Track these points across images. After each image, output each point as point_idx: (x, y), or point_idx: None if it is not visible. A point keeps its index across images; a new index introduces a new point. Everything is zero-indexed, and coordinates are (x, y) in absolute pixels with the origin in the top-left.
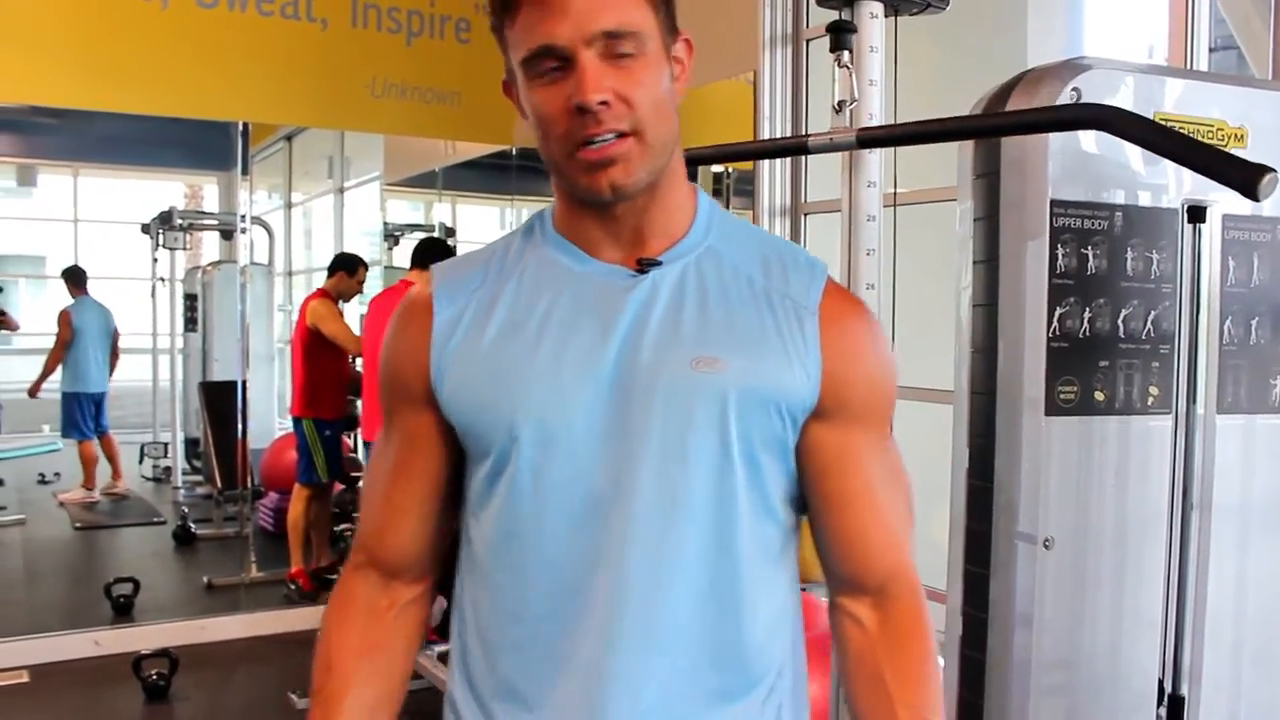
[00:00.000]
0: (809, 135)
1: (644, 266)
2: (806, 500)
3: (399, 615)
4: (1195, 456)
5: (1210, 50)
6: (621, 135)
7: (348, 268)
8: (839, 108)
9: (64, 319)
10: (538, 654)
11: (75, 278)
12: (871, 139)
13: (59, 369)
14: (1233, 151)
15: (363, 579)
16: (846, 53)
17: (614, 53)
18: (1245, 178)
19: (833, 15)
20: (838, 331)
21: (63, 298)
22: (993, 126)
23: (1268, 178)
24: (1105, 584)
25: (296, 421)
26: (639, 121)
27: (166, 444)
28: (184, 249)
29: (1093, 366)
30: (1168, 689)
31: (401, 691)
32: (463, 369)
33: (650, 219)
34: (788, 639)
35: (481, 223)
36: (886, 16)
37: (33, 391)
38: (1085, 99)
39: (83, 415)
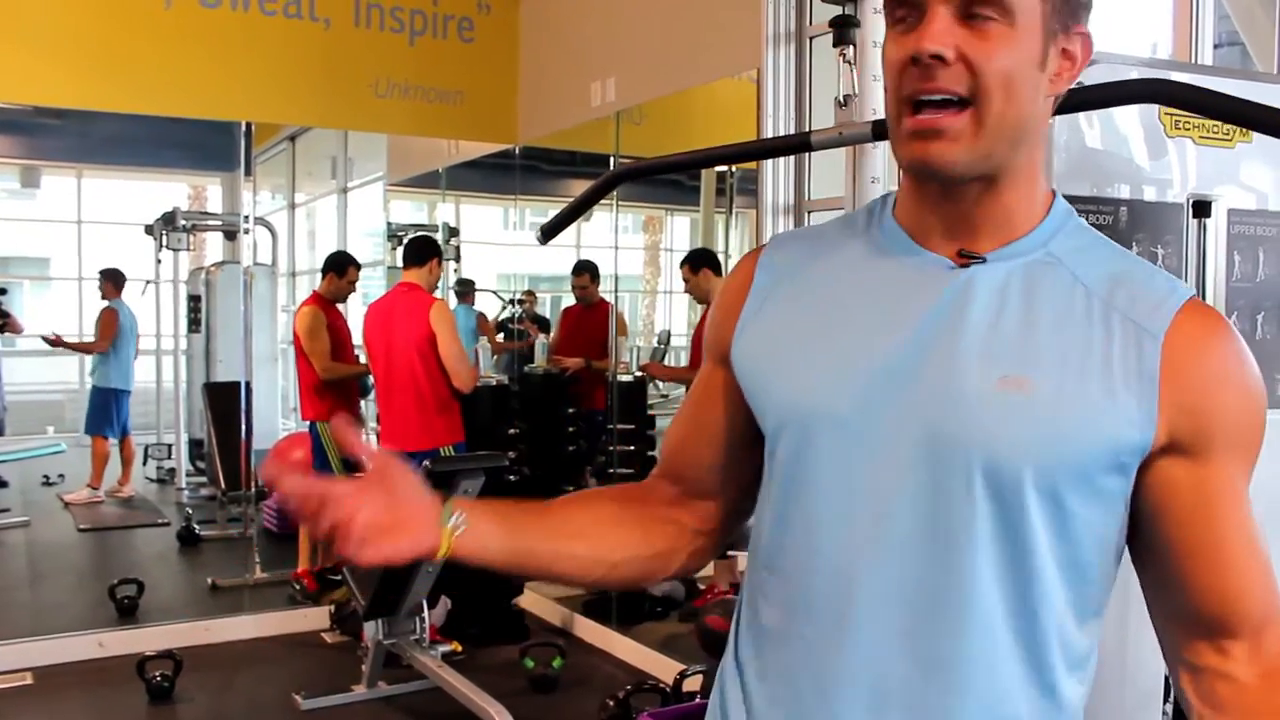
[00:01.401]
0: (811, 132)
1: (966, 260)
2: (1152, 547)
3: (653, 516)
4: None
5: (1214, 47)
6: (958, 104)
7: (337, 269)
8: (844, 102)
9: (111, 317)
10: (798, 658)
11: (115, 279)
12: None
13: (87, 363)
14: (1238, 145)
15: (650, 478)
16: (850, 48)
17: (972, 13)
18: None
19: (836, 10)
20: (1189, 357)
21: (66, 299)
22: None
23: None
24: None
25: (310, 425)
26: (978, 89)
27: (170, 445)
28: (188, 250)
29: None
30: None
31: (596, 562)
32: (756, 341)
33: (984, 212)
34: (1076, 707)
35: (485, 223)
36: None
37: (55, 341)
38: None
39: (117, 413)
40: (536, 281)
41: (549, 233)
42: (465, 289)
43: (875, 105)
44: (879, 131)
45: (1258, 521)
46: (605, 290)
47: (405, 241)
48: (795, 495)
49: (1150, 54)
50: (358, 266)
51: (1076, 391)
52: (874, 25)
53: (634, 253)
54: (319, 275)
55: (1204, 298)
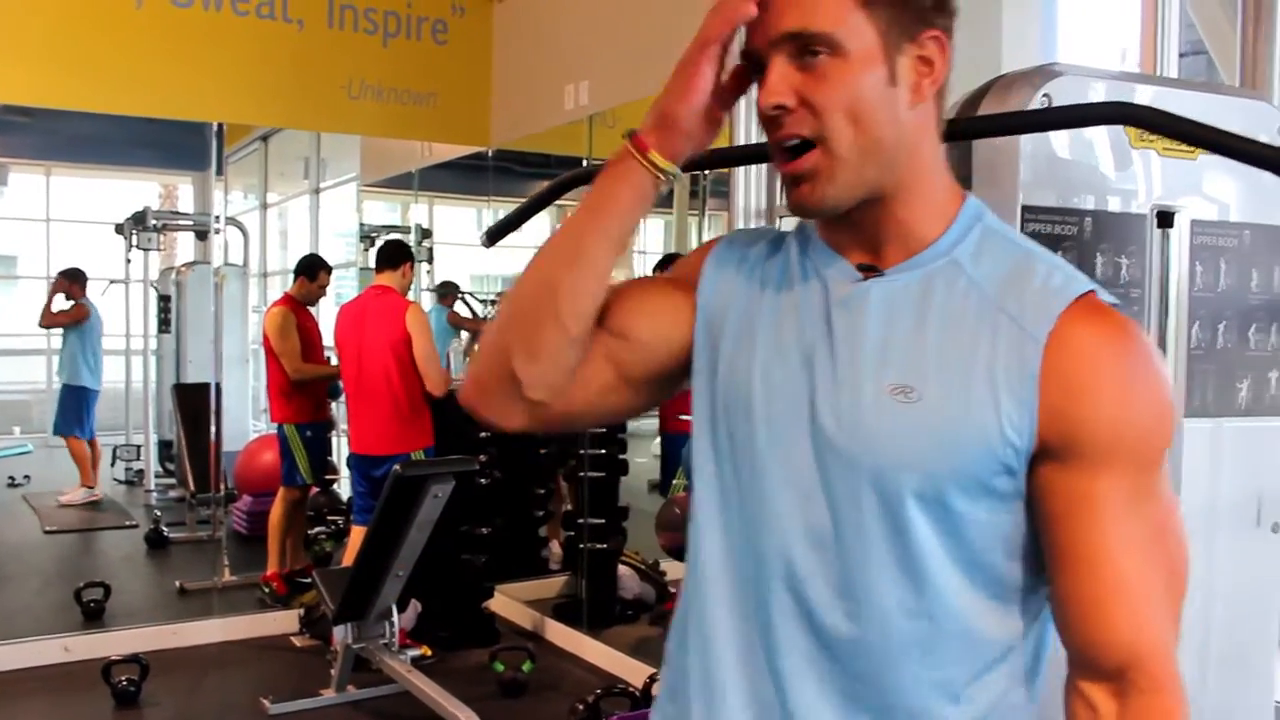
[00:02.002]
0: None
1: (865, 274)
2: (1043, 555)
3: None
4: None
5: (1180, 55)
6: (810, 145)
7: (308, 273)
8: None
9: (83, 309)
10: (713, 626)
11: (78, 279)
12: None
13: (55, 362)
14: (1200, 157)
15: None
16: None
17: (806, 53)
18: None
19: None
20: (1070, 360)
21: (34, 298)
22: (1019, 125)
23: None
24: None
25: (279, 427)
26: (824, 129)
27: (139, 446)
28: (158, 250)
29: None
30: None
31: (593, 286)
32: (711, 321)
33: (885, 229)
34: (999, 699)
35: (458, 224)
36: None
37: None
38: (1056, 105)
39: (87, 412)
40: (511, 283)
41: (494, 235)
42: (447, 291)
43: None
44: None
45: (1162, 536)
46: None
47: (378, 246)
48: (729, 479)
49: (1120, 59)
50: (329, 270)
51: (960, 397)
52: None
53: None
54: (291, 276)
55: (1167, 308)
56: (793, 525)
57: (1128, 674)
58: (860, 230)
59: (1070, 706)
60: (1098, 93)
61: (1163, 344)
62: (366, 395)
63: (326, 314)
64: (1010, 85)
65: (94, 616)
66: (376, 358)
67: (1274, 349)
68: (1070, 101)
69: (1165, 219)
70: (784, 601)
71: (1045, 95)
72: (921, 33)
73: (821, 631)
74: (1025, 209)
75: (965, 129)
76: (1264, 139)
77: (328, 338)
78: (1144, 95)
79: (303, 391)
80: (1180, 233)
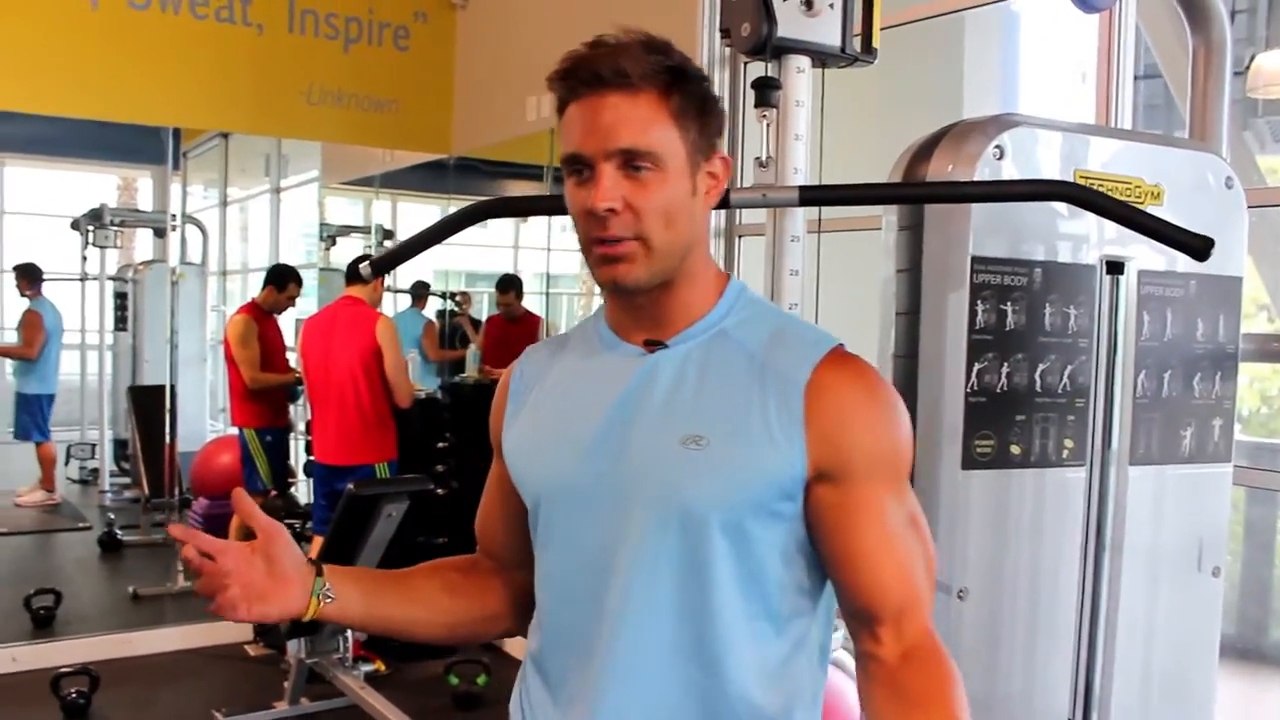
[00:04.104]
0: (730, 190)
1: (650, 347)
2: (821, 555)
3: (484, 584)
4: (1109, 507)
5: (1137, 78)
6: (628, 239)
7: (277, 283)
8: (764, 163)
9: (36, 321)
10: (553, 672)
11: (31, 275)
12: (814, 199)
13: (8, 364)
14: (1149, 208)
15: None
16: (772, 110)
17: (632, 166)
18: (1201, 244)
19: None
20: (826, 402)
21: None
22: (954, 194)
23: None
24: (1019, 630)
25: (239, 432)
26: (644, 230)
27: (94, 445)
28: (115, 247)
29: (1009, 420)
30: None
31: (438, 624)
32: (516, 437)
33: (667, 308)
34: (792, 696)
35: (420, 221)
36: (814, 67)
37: None
38: (1009, 155)
39: (44, 417)
40: (474, 280)
41: (380, 267)
42: (420, 291)
43: (797, 165)
44: (806, 197)
45: (917, 528)
46: (539, 291)
47: (350, 261)
48: (552, 549)
49: (1080, 81)
50: (299, 283)
51: (743, 441)
52: (795, 85)
53: (571, 255)
54: (250, 275)
55: (1115, 356)
56: (617, 567)
57: (905, 614)
58: (644, 311)
59: (860, 661)
60: (1051, 144)
61: (1110, 393)
62: (332, 405)
63: (290, 317)
64: (964, 134)
65: (44, 624)
66: (344, 369)
67: (1218, 397)
68: (1025, 153)
69: (1115, 267)
70: (601, 638)
71: (998, 146)
72: (712, 154)
73: (632, 656)
74: (975, 260)
75: (909, 195)
76: (1213, 189)
77: (291, 343)
78: (1099, 149)
79: (263, 397)
80: (1129, 282)
